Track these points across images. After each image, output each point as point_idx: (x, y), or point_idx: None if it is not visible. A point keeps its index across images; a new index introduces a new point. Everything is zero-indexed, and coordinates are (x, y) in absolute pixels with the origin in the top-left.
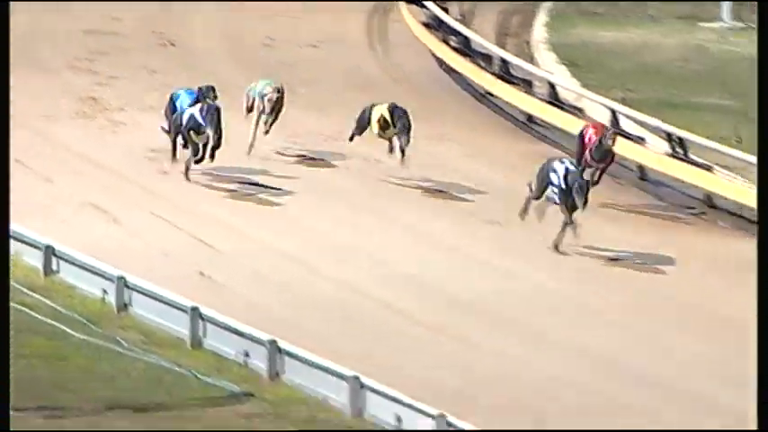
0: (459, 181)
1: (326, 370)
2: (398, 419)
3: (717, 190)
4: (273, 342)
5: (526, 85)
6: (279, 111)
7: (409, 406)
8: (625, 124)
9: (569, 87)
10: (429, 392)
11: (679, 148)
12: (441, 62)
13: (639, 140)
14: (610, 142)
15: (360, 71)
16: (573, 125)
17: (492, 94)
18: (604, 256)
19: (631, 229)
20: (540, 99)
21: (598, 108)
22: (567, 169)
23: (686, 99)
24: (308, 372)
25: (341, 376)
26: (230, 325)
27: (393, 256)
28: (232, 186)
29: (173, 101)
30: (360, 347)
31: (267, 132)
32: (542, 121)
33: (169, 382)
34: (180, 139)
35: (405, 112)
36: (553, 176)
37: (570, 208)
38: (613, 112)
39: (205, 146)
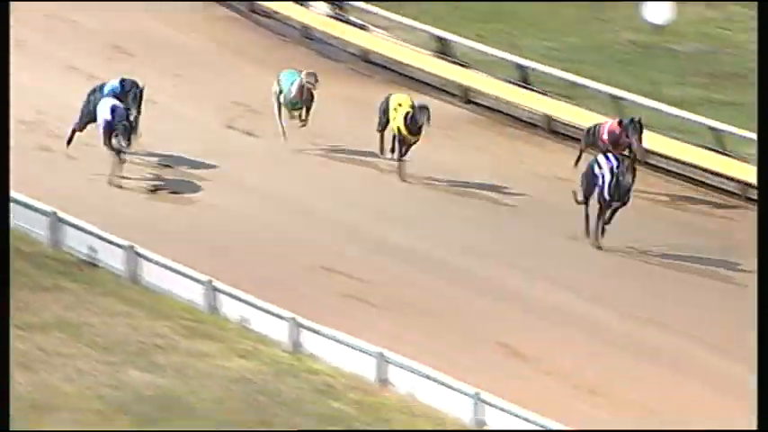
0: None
1: (28, 206)
2: (93, 250)
3: (372, 47)
4: None
5: None
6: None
7: (102, 238)
8: None
9: None
10: (118, 227)
11: (340, 12)
12: None
13: (304, 3)
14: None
15: None
16: None
17: None
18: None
19: None
20: None
21: None
22: (612, 165)
23: None
24: (12, 209)
25: (42, 212)
26: None
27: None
28: None
29: (101, 91)
30: (60, 187)
31: (304, 124)
32: None
33: None
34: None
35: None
36: (598, 172)
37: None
38: None
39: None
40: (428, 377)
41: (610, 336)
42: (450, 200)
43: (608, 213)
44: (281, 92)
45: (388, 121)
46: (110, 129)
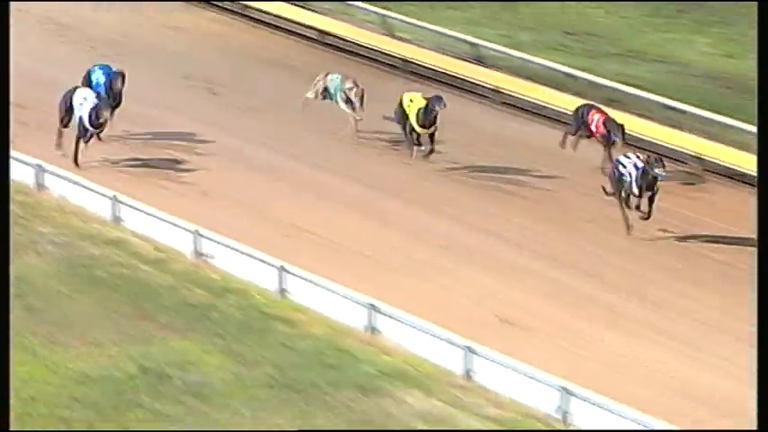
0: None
1: None
2: None
3: None
4: None
5: None
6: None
7: None
8: None
9: None
10: None
11: None
12: None
13: None
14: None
15: None
16: None
17: None
18: None
19: None
20: None
21: None
22: (636, 165)
23: None
24: None
25: None
26: None
27: None
28: None
29: (89, 75)
30: None
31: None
32: None
33: None
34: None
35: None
36: (624, 171)
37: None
38: None
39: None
40: (76, 183)
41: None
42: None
43: (642, 203)
44: (326, 89)
45: (407, 118)
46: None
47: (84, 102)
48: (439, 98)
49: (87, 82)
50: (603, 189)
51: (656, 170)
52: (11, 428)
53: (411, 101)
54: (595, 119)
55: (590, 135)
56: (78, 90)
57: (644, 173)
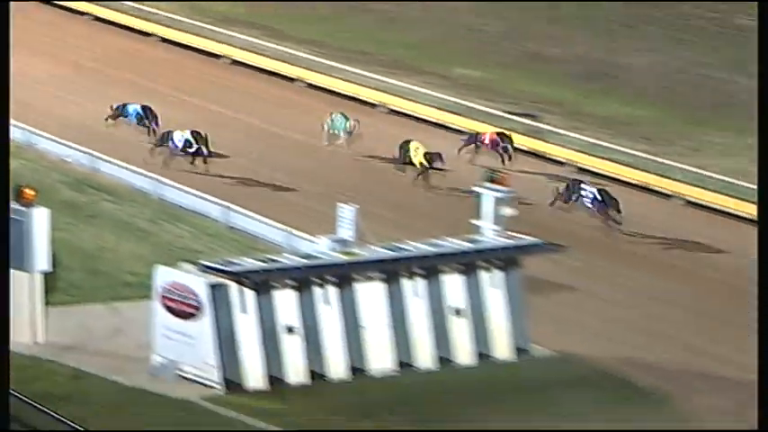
0: None
1: None
2: None
3: None
4: None
5: None
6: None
7: None
8: None
9: None
10: None
11: None
12: None
13: None
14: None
15: None
16: None
17: None
18: None
19: None
20: None
21: None
22: (598, 191)
23: None
24: None
25: None
26: None
27: None
28: None
29: (125, 108)
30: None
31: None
32: None
33: None
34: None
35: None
36: (584, 194)
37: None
38: None
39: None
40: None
41: None
42: None
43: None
44: (332, 124)
45: (410, 158)
46: (185, 146)
47: (182, 138)
48: (440, 155)
49: (123, 112)
50: (557, 191)
51: (617, 216)
52: (11, 428)
53: (417, 148)
54: (488, 134)
55: (480, 144)
56: (175, 132)
57: (606, 205)
